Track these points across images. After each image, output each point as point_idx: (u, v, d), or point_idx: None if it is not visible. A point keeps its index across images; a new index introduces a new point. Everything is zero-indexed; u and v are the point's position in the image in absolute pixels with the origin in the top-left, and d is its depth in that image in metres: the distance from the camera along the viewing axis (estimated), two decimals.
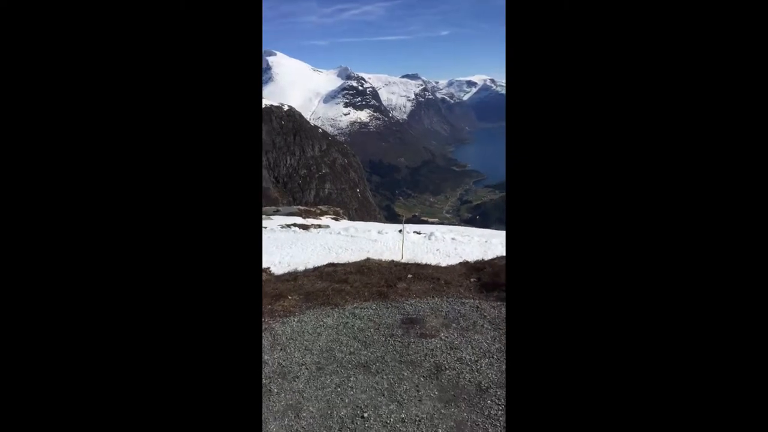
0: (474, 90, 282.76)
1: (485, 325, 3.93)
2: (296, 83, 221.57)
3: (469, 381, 3.03)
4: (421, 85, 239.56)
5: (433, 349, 3.52)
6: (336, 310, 4.54)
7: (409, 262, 7.57)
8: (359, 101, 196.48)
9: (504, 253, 9.34)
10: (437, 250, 11.28)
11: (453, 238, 12.73)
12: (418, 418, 2.68)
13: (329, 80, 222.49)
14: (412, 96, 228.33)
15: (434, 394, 2.92)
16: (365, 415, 2.74)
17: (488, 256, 8.72)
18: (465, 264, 6.72)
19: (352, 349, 3.61)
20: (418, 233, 13.46)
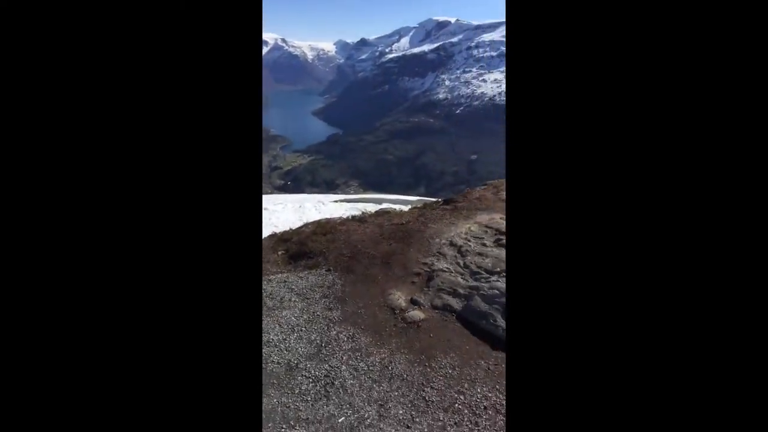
0: (266, 49, 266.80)
1: (293, 299, 3.84)
2: None
3: (278, 363, 2.90)
4: None
5: None
6: None
7: None
8: None
9: (316, 217, 9.57)
10: None
11: (266, 208, 12.20)
12: None
13: None
14: None
15: None
16: None
17: (303, 222, 8.72)
18: (273, 236, 6.43)
19: None
20: None
